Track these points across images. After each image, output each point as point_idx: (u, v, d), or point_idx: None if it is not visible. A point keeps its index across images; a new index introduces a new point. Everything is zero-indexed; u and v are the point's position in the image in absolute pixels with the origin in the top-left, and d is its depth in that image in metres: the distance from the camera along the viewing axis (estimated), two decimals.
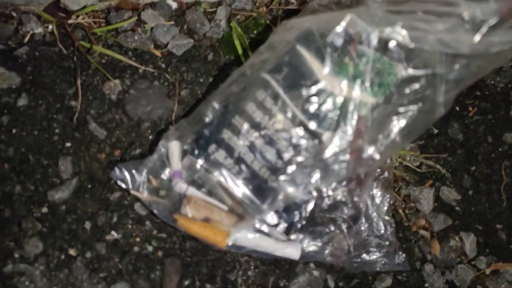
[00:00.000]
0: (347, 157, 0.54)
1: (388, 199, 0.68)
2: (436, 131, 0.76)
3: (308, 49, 0.62)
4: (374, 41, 0.51)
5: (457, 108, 0.78)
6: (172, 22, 0.73)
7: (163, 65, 0.71)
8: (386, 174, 0.70)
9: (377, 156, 0.53)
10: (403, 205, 0.72)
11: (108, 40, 0.71)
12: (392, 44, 0.50)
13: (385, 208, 0.68)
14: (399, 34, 0.47)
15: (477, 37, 0.43)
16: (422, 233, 0.70)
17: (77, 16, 0.69)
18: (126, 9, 0.72)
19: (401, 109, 0.51)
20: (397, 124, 0.53)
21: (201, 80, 0.72)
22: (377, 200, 0.68)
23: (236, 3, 0.76)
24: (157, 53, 0.72)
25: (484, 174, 0.74)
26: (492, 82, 0.80)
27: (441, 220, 0.71)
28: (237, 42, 0.72)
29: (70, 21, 0.69)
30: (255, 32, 0.75)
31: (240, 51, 0.72)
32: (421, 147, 0.75)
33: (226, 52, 0.74)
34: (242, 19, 0.76)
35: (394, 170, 0.72)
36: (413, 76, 0.53)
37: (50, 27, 0.69)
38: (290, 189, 0.59)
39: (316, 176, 0.57)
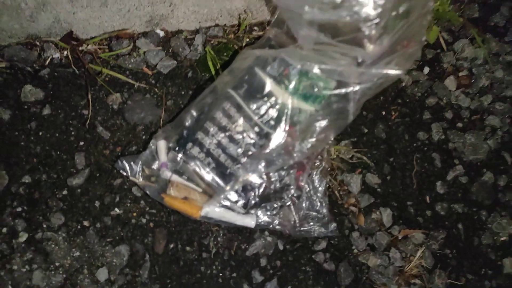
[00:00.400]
0: (282, 151, 0.76)
1: (325, 183, 0.90)
2: (366, 130, 0.98)
3: (261, 71, 0.84)
4: (297, 70, 0.73)
5: (383, 113, 1.00)
6: (160, 48, 0.94)
7: (153, 81, 0.93)
8: (324, 163, 0.92)
9: (304, 151, 0.75)
10: (338, 188, 0.93)
11: (110, 62, 0.92)
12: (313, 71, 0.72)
13: (322, 189, 0.90)
14: (313, 67, 0.69)
15: (361, 70, 0.64)
16: (351, 209, 0.92)
17: (87, 44, 0.90)
18: (124, 38, 0.93)
19: (320, 117, 0.73)
20: (318, 128, 0.75)
21: (183, 93, 0.93)
22: (316, 184, 0.90)
23: (210, 31, 0.98)
24: (148, 72, 0.93)
25: (400, 164, 0.96)
26: (411, 92, 1.02)
27: (366, 199, 0.92)
28: (210, 63, 0.93)
29: (81, 48, 0.90)
30: (225, 54, 0.97)
31: (212, 70, 0.93)
32: (354, 143, 0.96)
33: (202, 70, 0.95)
34: (215, 43, 0.97)
35: (332, 161, 0.94)
36: (332, 94, 0.75)
37: (66, 52, 0.90)
38: (245, 174, 0.81)
39: (262, 165, 0.78)
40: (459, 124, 1.01)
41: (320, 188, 0.90)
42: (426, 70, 1.05)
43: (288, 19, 0.68)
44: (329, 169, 0.93)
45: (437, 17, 1.06)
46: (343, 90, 0.70)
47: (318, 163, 0.91)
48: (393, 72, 0.65)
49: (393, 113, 1.00)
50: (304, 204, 0.88)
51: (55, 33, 0.89)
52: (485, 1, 1.15)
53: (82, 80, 0.90)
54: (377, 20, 0.59)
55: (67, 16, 0.86)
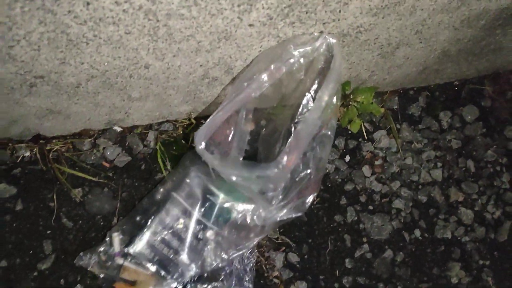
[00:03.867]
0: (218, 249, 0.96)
1: (253, 260, 1.10)
2: None
3: (201, 177, 1.01)
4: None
5: None
6: (117, 144, 1.10)
7: (111, 175, 1.09)
8: (254, 243, 1.11)
9: (234, 255, 0.95)
10: (265, 263, 1.14)
11: (73, 159, 1.07)
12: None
13: (250, 266, 1.10)
14: (233, 206, 0.88)
15: (266, 216, 0.84)
16: (275, 281, 1.13)
17: (52, 143, 1.05)
18: (85, 136, 1.09)
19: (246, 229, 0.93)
20: (244, 235, 0.94)
21: (136, 184, 1.10)
22: (245, 262, 1.10)
23: (162, 127, 1.13)
24: (107, 165, 1.09)
25: (317, 243, 1.17)
26: (333, 178, 1.22)
27: (287, 273, 1.13)
28: (159, 160, 1.10)
29: (48, 147, 1.05)
30: (174, 148, 1.13)
31: (161, 165, 1.10)
32: (280, 225, 1.16)
33: (154, 163, 1.12)
34: (166, 138, 1.14)
35: (261, 241, 1.14)
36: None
37: (34, 151, 1.05)
38: (185, 265, 1.00)
39: (200, 259, 0.98)
40: (370, 207, 1.22)
41: (249, 265, 1.10)
42: (347, 158, 1.24)
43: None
44: (258, 248, 1.13)
45: (361, 109, 1.24)
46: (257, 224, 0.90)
47: (248, 243, 1.11)
48: (293, 215, 0.85)
49: (315, 199, 1.20)
50: (233, 281, 1.08)
51: (25, 135, 1.04)
52: (406, 91, 1.33)
53: (49, 175, 1.06)
54: (274, 190, 0.77)
55: (35, 126, 1.00)
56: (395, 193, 1.24)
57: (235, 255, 0.99)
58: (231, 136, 0.85)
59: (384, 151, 1.26)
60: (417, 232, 1.23)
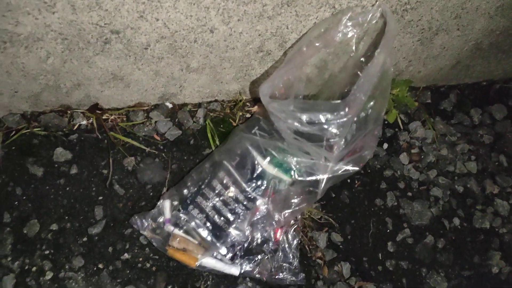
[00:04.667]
0: (265, 217, 0.96)
1: (297, 239, 1.10)
2: (333, 195, 1.19)
3: (253, 147, 1.04)
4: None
5: (348, 181, 1.22)
6: (168, 119, 1.14)
7: (161, 147, 1.12)
8: (298, 222, 1.12)
9: (282, 220, 0.95)
10: (308, 243, 1.14)
11: (127, 130, 1.11)
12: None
13: (295, 244, 1.10)
14: (291, 160, 0.91)
15: (327, 165, 0.86)
16: (318, 261, 1.13)
17: (110, 115, 1.09)
18: (139, 109, 1.13)
19: (295, 196, 0.94)
20: (294, 202, 0.96)
21: (185, 158, 1.13)
22: (290, 239, 1.10)
23: (210, 106, 1.18)
24: (158, 138, 1.13)
25: (359, 225, 1.17)
26: (372, 164, 1.25)
27: (330, 254, 1.13)
28: (209, 134, 1.14)
29: (104, 117, 1.09)
30: (222, 126, 1.17)
31: (211, 140, 1.14)
32: (323, 205, 1.18)
33: (202, 139, 1.15)
34: (214, 116, 1.18)
35: (304, 220, 1.15)
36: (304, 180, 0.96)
37: (91, 120, 1.09)
38: (236, 234, 1.01)
39: (249, 227, 0.99)
40: (409, 194, 1.24)
41: (293, 243, 1.10)
42: (385, 146, 1.27)
43: (273, 118, 0.89)
44: (301, 227, 1.13)
45: (397, 101, 1.29)
46: (314, 178, 0.92)
47: (293, 222, 1.12)
48: (350, 169, 0.87)
49: (356, 182, 1.22)
50: (279, 256, 1.08)
51: (83, 104, 1.08)
52: (437, 88, 1.39)
53: (103, 144, 1.09)
54: (339, 136, 0.81)
55: (96, 93, 1.05)
56: (432, 182, 1.26)
57: (285, 221, 0.99)
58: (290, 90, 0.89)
59: (420, 141, 1.30)
60: (456, 221, 1.24)
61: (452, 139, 1.33)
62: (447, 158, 1.30)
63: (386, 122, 1.30)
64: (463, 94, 1.41)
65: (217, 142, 1.14)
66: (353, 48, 1.02)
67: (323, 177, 0.90)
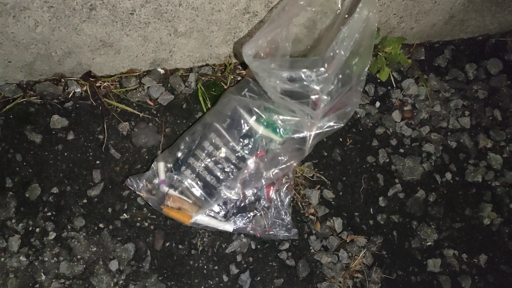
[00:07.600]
0: (255, 175, 1.00)
1: (290, 196, 1.14)
2: (325, 153, 1.22)
3: (242, 109, 1.07)
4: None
5: (340, 139, 1.24)
6: (161, 84, 1.17)
7: (155, 112, 1.15)
8: (290, 180, 1.15)
9: (271, 177, 0.99)
10: (301, 200, 1.17)
11: (121, 96, 1.14)
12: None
13: (287, 201, 1.13)
14: (277, 119, 0.93)
15: (310, 122, 0.88)
16: (311, 217, 1.16)
17: (102, 82, 1.12)
18: (131, 75, 1.15)
19: (282, 153, 0.97)
20: (282, 160, 0.99)
21: (178, 121, 1.16)
22: (283, 197, 1.14)
23: (202, 70, 1.20)
24: (151, 103, 1.16)
25: (351, 182, 1.20)
26: (364, 122, 1.26)
27: (322, 210, 1.17)
28: (201, 98, 1.16)
29: (97, 84, 1.12)
30: (213, 90, 1.19)
31: (203, 104, 1.16)
32: (315, 164, 1.20)
33: (194, 103, 1.18)
34: (206, 80, 1.20)
35: (297, 178, 1.18)
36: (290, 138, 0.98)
37: (85, 87, 1.12)
38: (227, 192, 1.04)
39: (239, 185, 1.02)
40: (401, 150, 1.25)
41: (285, 200, 1.13)
42: (378, 104, 1.28)
43: (258, 78, 0.91)
44: (294, 185, 1.17)
45: (389, 59, 1.29)
46: (300, 135, 0.94)
47: (285, 180, 1.15)
48: (334, 125, 0.89)
49: (348, 140, 1.24)
50: (272, 213, 1.12)
51: (76, 72, 1.11)
52: (431, 45, 1.38)
53: (98, 110, 1.12)
54: (321, 92, 0.82)
55: (87, 60, 1.07)
56: (424, 138, 1.28)
57: (274, 178, 1.02)
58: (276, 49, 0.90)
59: (413, 99, 1.30)
60: (448, 175, 1.25)
61: (445, 95, 1.33)
62: (440, 114, 1.31)
63: (378, 80, 1.30)
64: (458, 50, 1.39)
65: (209, 106, 1.17)
66: (339, 5, 1.02)
67: (308, 134, 0.92)
